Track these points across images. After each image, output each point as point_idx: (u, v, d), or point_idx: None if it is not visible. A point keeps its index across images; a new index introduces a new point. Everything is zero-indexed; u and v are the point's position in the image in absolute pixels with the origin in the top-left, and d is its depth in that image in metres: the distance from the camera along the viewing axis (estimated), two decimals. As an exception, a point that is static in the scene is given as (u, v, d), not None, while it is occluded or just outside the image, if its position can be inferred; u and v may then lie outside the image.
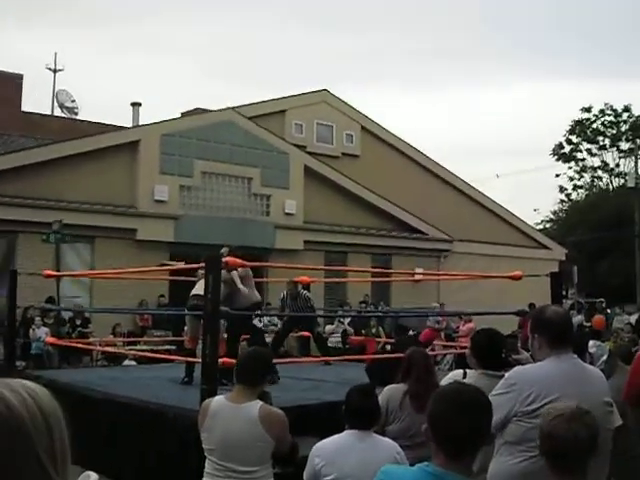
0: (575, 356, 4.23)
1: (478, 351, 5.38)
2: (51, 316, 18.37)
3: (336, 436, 4.74)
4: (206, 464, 5.09)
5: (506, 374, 4.30)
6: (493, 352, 5.35)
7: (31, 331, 17.76)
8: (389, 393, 6.03)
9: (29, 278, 13.99)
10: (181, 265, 13.89)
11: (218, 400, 5.07)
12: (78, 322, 19.02)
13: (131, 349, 18.09)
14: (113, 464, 8.59)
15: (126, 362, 15.49)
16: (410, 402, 5.89)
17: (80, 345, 14.08)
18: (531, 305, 22.17)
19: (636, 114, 53.84)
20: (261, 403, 4.97)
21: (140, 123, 26.98)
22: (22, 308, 14.27)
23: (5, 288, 18.63)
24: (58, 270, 17.38)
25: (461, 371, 6.35)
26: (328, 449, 4.61)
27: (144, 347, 18.76)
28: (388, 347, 17.27)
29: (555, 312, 4.37)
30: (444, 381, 6.15)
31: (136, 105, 27.89)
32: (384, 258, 27.98)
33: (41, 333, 17.77)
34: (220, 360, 7.96)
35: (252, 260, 23.62)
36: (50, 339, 13.74)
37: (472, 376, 5.69)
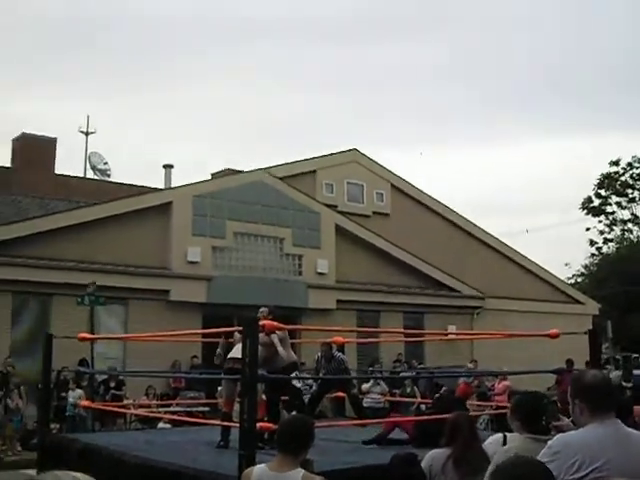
0: (618, 421, 4.16)
1: (522, 414, 5.31)
2: (85, 378, 18.40)
3: None
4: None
5: (549, 442, 4.23)
6: (538, 416, 5.28)
7: (66, 393, 17.80)
8: (432, 456, 5.97)
9: (63, 340, 14.01)
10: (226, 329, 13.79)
11: (260, 469, 5.03)
12: (112, 384, 19.02)
13: (165, 411, 18.08)
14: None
15: (160, 425, 15.43)
16: (454, 467, 5.82)
17: (114, 408, 14.03)
18: (568, 361, 22.03)
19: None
20: (304, 472, 4.92)
21: (172, 185, 27.24)
22: (56, 371, 14.24)
23: (39, 351, 19.04)
24: (92, 332, 17.49)
25: (501, 435, 6.28)
26: None
27: (177, 409, 18.72)
28: (423, 407, 17.12)
29: (594, 376, 4.31)
30: (486, 445, 6.11)
31: (168, 167, 28.23)
32: (416, 316, 27.92)
33: (75, 395, 17.82)
34: (258, 425, 7.91)
35: (285, 320, 23.85)
36: (84, 402, 13.74)
37: (515, 439, 5.62)
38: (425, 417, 11.48)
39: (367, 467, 8.23)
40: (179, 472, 8.45)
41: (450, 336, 23.18)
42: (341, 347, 14.90)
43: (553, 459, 3.98)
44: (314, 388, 13.82)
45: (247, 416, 7.62)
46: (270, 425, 8.38)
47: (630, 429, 4.27)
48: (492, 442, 6.13)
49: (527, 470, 2.81)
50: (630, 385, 13.50)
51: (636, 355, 35.63)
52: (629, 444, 4.05)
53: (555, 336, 11.28)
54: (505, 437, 6.19)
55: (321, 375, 13.18)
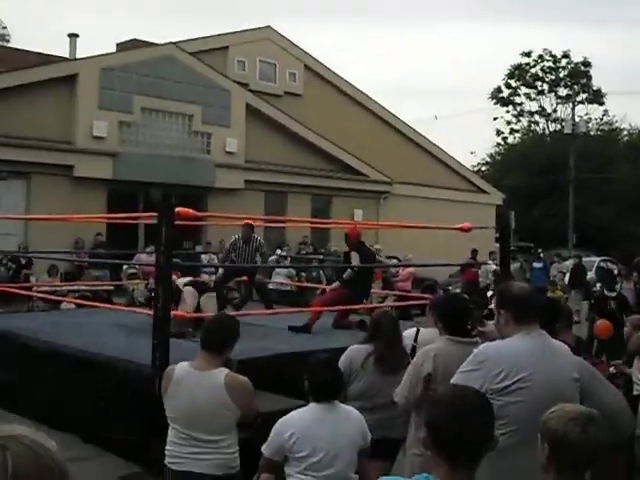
0: (544, 332, 4.20)
1: (446, 315, 5.27)
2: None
3: (302, 410, 4.60)
4: (169, 432, 4.92)
5: (475, 350, 4.19)
6: (463, 319, 5.26)
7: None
8: (352, 354, 5.95)
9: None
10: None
11: (182, 367, 4.89)
12: (23, 262, 18.55)
13: (69, 290, 17.79)
14: (59, 417, 8.39)
15: (63, 305, 15.10)
16: (375, 365, 5.83)
17: (19, 291, 13.66)
18: (473, 251, 22.40)
19: (575, 61, 54.26)
20: (227, 371, 4.81)
21: (77, 55, 26.17)
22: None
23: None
24: (-7, 207, 16.97)
25: (414, 330, 6.30)
26: (299, 424, 4.46)
27: (82, 288, 18.43)
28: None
29: (521, 288, 4.39)
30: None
31: (73, 36, 27.02)
32: (324, 199, 27.96)
33: (-25, 272, 17.36)
34: (172, 313, 7.75)
35: (193, 199, 23.58)
36: (-11, 284, 13.37)
37: (432, 337, 5.61)
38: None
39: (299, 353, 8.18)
40: (91, 359, 8.27)
41: (359, 224, 23.12)
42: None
43: (479, 367, 4.00)
44: (220, 272, 13.54)
45: (161, 304, 7.44)
46: (183, 314, 8.24)
47: (555, 341, 4.27)
48: (406, 336, 6.19)
49: (468, 403, 2.73)
50: (614, 295, 13.43)
51: (529, 245, 36.66)
52: (553, 355, 4.09)
53: (467, 230, 11.28)
54: (418, 331, 6.23)
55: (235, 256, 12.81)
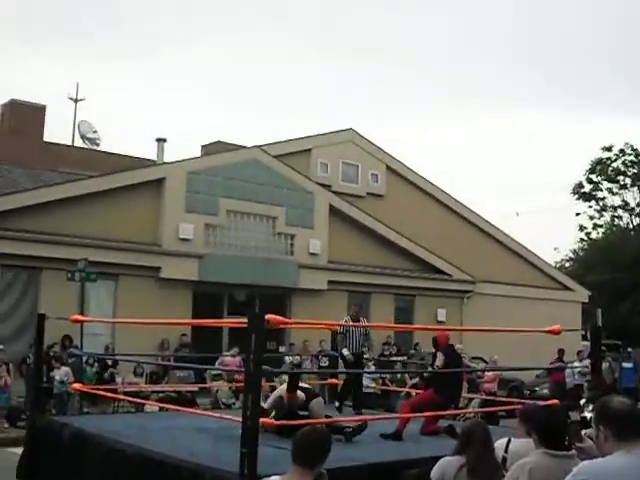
0: None
1: (542, 428, 5.10)
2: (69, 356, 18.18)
3: None
4: None
5: (574, 469, 4.04)
6: (560, 434, 5.09)
7: (54, 371, 17.57)
8: (444, 465, 5.81)
9: (52, 315, 13.73)
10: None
11: (274, 481, 4.83)
12: (109, 362, 18.81)
13: (152, 391, 17.92)
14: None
15: (147, 407, 15.21)
16: (468, 476, 5.67)
17: (105, 393, 13.82)
18: (560, 351, 21.97)
19: (657, 153, 53.63)
20: (319, 486, 4.72)
21: (165, 158, 26.93)
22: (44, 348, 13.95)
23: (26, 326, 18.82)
24: (82, 308, 17.28)
25: (505, 440, 6.12)
26: None
27: (167, 388, 18.56)
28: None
29: (622, 403, 4.18)
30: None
31: (161, 141, 27.84)
32: (407, 299, 27.89)
33: (61, 373, 17.59)
34: (261, 420, 7.68)
35: (276, 300, 23.73)
36: (76, 385, 13.52)
37: (523, 447, 5.45)
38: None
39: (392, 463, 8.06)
40: (178, 466, 8.24)
41: (442, 324, 22.99)
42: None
43: (579, 486, 3.85)
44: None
45: (250, 412, 7.41)
46: (271, 421, 8.19)
47: None
48: (497, 446, 6.00)
49: None
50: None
51: (616, 342, 35.74)
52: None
53: (557, 333, 11.05)
54: (509, 441, 6.06)
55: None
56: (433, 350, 11.72)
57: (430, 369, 10.89)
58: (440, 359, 11.04)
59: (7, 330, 19.84)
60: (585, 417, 7.81)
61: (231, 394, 18.50)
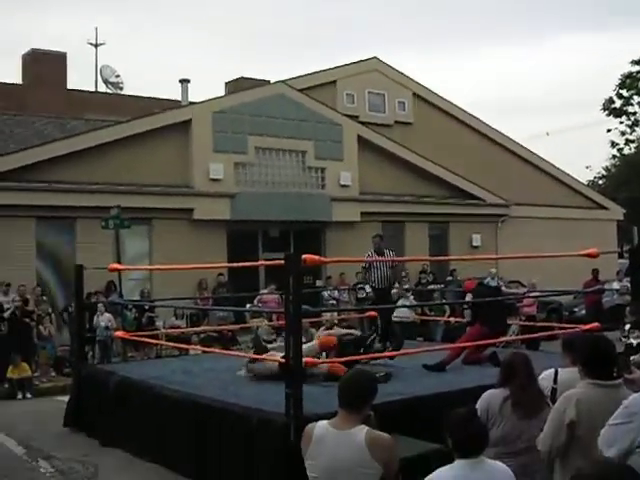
0: None
1: (590, 359, 5.02)
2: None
3: (446, 469, 4.46)
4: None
5: (625, 401, 4.00)
6: (608, 365, 5.02)
7: (95, 318, 17.79)
8: (489, 399, 5.83)
9: (89, 263, 13.86)
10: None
11: (322, 426, 4.84)
12: (147, 307, 19.00)
13: (194, 332, 18.11)
14: (190, 466, 8.51)
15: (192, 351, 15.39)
16: (512, 409, 5.69)
17: (147, 339, 14.00)
18: (594, 271, 21.82)
19: (688, 63, 52.50)
20: (367, 428, 4.72)
21: (189, 99, 26.77)
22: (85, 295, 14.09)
23: (65, 276, 19.02)
24: (118, 255, 17.41)
25: (553, 370, 6.08)
26: None
27: (208, 329, 18.76)
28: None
29: None
30: (539, 380, 5.93)
31: (184, 82, 27.61)
32: (441, 226, 27.80)
33: (104, 319, 17.81)
34: (304, 360, 7.74)
35: (310, 234, 23.79)
36: (119, 333, 13.71)
37: (573, 379, 5.41)
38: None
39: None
40: (225, 409, 8.35)
41: (477, 249, 22.89)
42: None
43: (631, 420, 3.84)
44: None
45: (293, 354, 7.47)
46: (315, 360, 8.25)
47: None
48: (545, 377, 6.00)
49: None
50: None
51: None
52: None
53: (595, 256, 10.98)
54: (557, 372, 6.01)
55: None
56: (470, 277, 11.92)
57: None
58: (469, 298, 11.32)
59: (47, 282, 20.04)
60: (631, 343, 7.77)
61: (272, 330, 18.60)
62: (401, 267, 14.35)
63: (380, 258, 12.39)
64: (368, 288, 12.40)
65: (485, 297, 11.17)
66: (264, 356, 9.75)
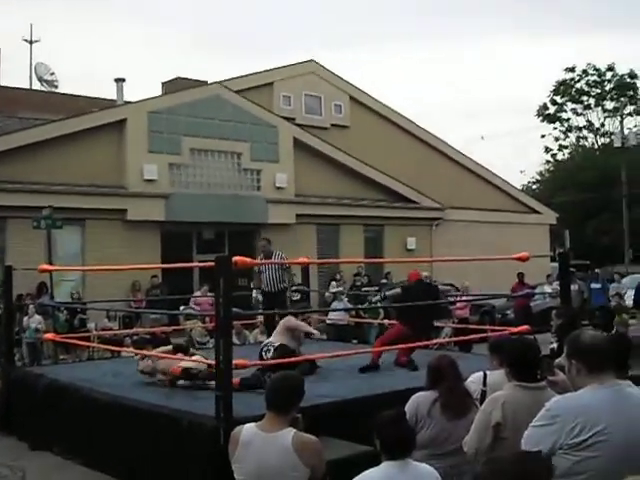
0: (619, 382, 4.04)
1: (514, 362, 5.12)
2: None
3: (373, 470, 4.49)
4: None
5: (546, 404, 4.06)
6: (532, 367, 5.11)
7: (25, 319, 17.49)
8: (417, 401, 5.90)
9: (20, 263, 13.68)
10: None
11: (249, 429, 4.83)
12: (79, 309, 18.73)
13: (127, 335, 17.90)
14: (121, 468, 8.43)
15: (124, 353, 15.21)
16: (441, 411, 5.76)
17: (79, 342, 13.83)
18: (519, 275, 22.07)
19: (620, 73, 53.75)
20: (294, 431, 4.74)
21: (124, 98, 26.51)
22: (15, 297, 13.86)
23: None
24: (50, 256, 17.14)
25: (481, 373, 6.17)
26: None
27: (141, 330, 18.54)
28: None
29: (593, 337, 4.18)
30: (467, 383, 6.01)
31: (120, 81, 27.33)
32: (376, 229, 27.94)
33: (35, 321, 17.52)
34: (233, 362, 7.71)
35: (245, 236, 23.72)
36: (49, 335, 13.50)
37: (499, 381, 5.49)
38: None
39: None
40: (154, 412, 8.28)
41: (412, 252, 23.09)
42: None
43: (552, 422, 3.89)
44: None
45: (222, 356, 7.43)
46: (245, 362, 8.21)
47: (631, 389, 4.12)
48: (474, 381, 6.09)
49: (529, 468, 2.63)
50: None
51: (586, 262, 36.08)
52: (629, 407, 3.94)
53: (525, 259, 11.16)
54: (485, 375, 6.10)
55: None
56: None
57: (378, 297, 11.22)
58: (393, 291, 11.31)
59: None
60: (553, 348, 7.89)
61: (205, 332, 18.53)
62: (290, 270, 14.38)
63: (270, 261, 12.60)
64: (254, 293, 12.74)
65: (420, 293, 11.14)
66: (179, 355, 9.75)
